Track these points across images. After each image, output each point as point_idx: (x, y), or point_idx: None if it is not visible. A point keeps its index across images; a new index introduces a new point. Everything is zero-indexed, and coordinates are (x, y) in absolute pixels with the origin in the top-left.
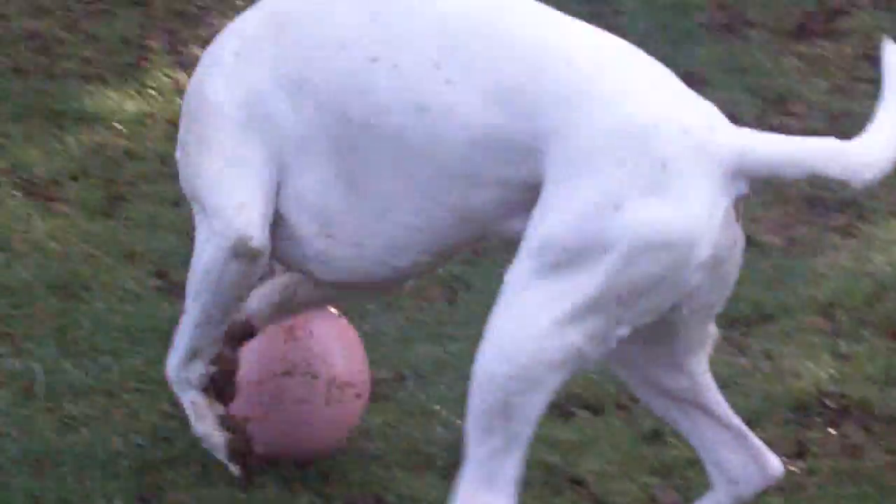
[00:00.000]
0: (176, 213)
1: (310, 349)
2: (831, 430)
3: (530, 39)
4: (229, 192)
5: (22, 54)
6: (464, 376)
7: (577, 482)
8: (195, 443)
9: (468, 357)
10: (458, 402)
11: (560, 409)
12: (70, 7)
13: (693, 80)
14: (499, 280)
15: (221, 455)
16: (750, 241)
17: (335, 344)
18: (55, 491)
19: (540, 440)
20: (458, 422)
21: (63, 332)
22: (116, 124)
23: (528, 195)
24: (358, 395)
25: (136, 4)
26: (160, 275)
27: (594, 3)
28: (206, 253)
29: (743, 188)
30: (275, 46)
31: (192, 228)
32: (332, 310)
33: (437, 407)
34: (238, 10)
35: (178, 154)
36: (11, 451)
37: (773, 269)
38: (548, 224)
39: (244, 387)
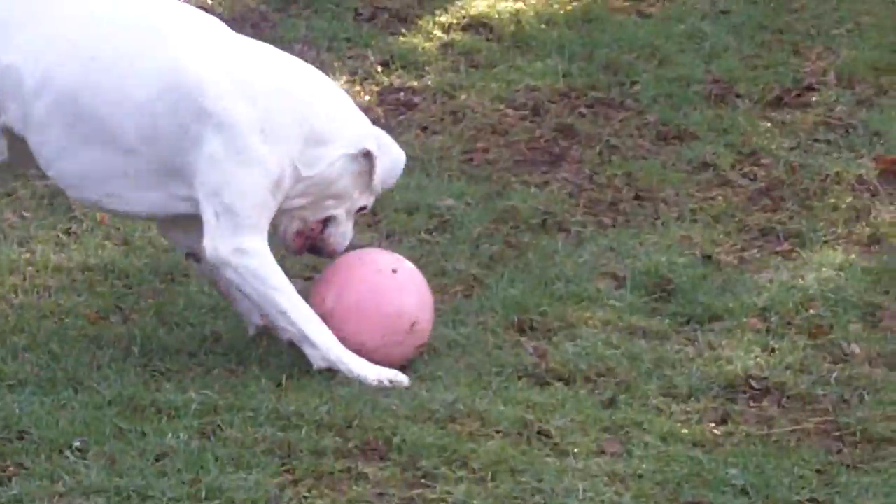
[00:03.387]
0: None
1: None
2: (752, 405)
3: None
4: None
5: None
6: (468, 353)
7: (545, 434)
8: (251, 394)
9: (476, 339)
10: (461, 372)
11: (538, 378)
12: None
13: (686, 135)
14: (510, 281)
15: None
16: (710, 259)
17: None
18: (138, 426)
19: (519, 402)
20: (459, 387)
21: (162, 307)
22: None
23: None
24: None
25: None
26: None
27: (617, 74)
28: None
29: None
30: None
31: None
32: None
33: (441, 373)
34: (337, 70)
35: None
36: (108, 395)
37: (725, 282)
38: None
39: None
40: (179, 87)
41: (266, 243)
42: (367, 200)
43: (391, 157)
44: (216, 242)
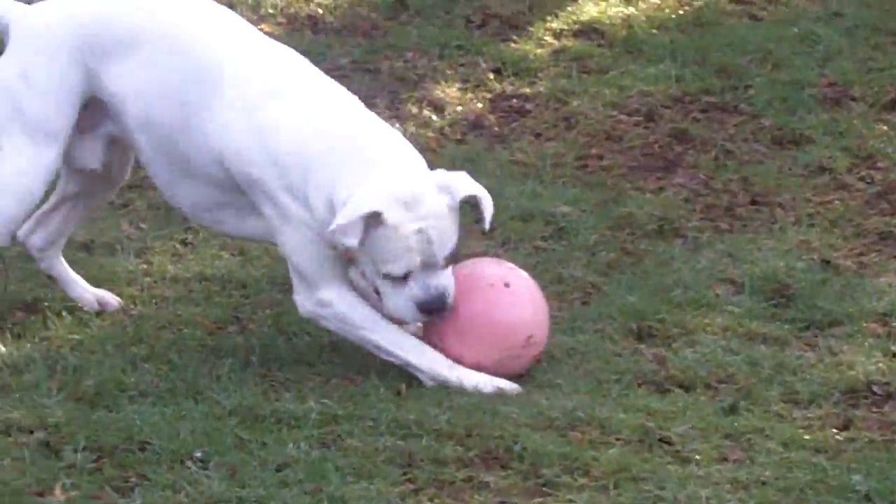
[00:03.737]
0: None
1: None
2: (874, 410)
3: None
4: None
5: None
6: (587, 360)
7: (666, 441)
8: (371, 403)
9: (594, 346)
10: (580, 380)
11: (658, 386)
12: None
13: (801, 139)
14: (628, 288)
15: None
16: (828, 264)
17: None
18: (258, 437)
19: (640, 409)
20: (578, 394)
21: (280, 317)
22: None
23: None
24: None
25: (367, 71)
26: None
27: (730, 78)
28: None
29: None
30: None
31: None
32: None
33: (560, 381)
34: (448, 77)
35: None
36: (228, 405)
37: (844, 286)
38: None
39: None
40: (226, 152)
41: (344, 287)
42: (400, 266)
43: (418, 209)
44: (301, 299)
